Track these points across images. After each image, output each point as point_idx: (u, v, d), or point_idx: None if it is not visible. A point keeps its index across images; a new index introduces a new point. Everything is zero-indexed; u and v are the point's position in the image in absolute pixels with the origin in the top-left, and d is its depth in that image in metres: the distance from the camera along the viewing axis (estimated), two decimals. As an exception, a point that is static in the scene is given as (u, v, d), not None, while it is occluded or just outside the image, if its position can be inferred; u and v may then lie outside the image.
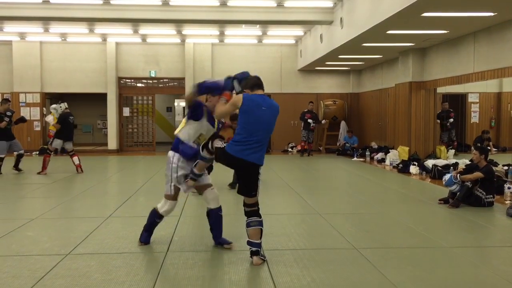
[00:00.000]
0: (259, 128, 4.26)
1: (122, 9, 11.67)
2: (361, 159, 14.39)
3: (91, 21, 13.52)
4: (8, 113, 11.16)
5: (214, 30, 15.40)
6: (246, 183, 4.37)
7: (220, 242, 4.95)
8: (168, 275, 4.11)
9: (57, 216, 6.68)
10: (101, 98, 17.63)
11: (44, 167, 11.01)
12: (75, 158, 11.28)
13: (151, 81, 17.84)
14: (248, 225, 4.42)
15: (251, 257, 4.45)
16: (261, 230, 4.43)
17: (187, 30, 15.24)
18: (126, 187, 9.54)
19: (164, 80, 17.88)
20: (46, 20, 13.42)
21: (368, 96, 17.00)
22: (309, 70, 17.45)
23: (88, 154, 16.39)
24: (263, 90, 4.45)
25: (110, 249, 4.88)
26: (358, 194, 8.49)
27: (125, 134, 17.86)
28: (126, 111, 17.67)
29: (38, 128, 17.07)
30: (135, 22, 13.45)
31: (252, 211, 4.42)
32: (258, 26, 14.47)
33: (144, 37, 16.55)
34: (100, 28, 14.95)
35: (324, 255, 4.76)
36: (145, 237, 5.05)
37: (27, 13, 11.71)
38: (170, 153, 4.81)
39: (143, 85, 17.95)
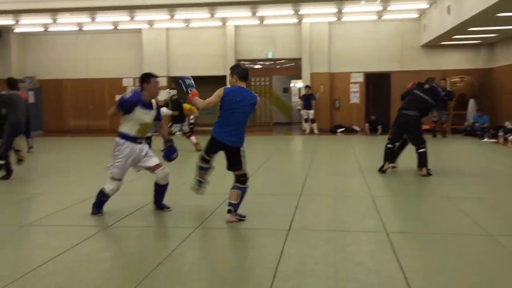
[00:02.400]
0: (236, 115, 5.05)
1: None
2: (493, 140, 13.26)
3: (213, 6, 13.98)
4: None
5: (331, 8, 15.08)
6: (230, 161, 5.23)
7: (160, 206, 5.63)
8: (291, 253, 4.14)
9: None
10: (221, 80, 18.28)
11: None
12: (192, 138, 11.88)
13: (268, 63, 18.07)
14: (231, 188, 5.18)
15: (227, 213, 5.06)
16: (238, 193, 5.13)
17: (304, 9, 15.10)
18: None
19: (281, 61, 18.00)
20: (172, 7, 14.15)
21: (502, 71, 15.50)
22: (434, 45, 16.38)
23: (209, 134, 17.11)
24: (246, 83, 5.22)
25: (235, 224, 5.04)
26: (490, 177, 7.83)
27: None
28: (243, 93, 18.07)
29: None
30: (254, 4, 13.64)
31: (238, 180, 5.23)
32: (378, 1, 13.87)
33: (261, 19, 16.74)
34: (221, 12, 15.42)
35: (454, 240, 4.47)
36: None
37: (155, 1, 12.45)
38: (119, 140, 5.29)
39: (260, 67, 18.24)
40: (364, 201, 6.18)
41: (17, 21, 16.34)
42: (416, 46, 16.82)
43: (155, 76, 5.30)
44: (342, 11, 15.30)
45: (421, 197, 6.67)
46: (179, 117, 11.83)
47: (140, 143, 5.34)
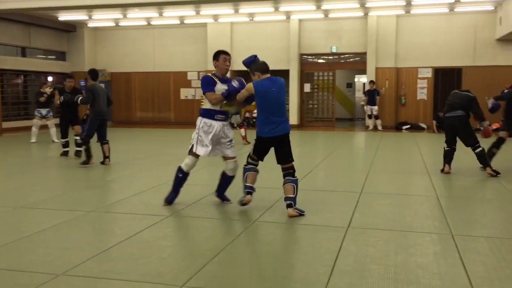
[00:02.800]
0: (275, 106, 5.08)
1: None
2: None
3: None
4: None
5: (400, 1, 14.59)
6: (282, 153, 5.17)
7: (221, 197, 5.68)
8: (349, 251, 4.05)
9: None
10: (284, 74, 18.19)
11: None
12: (242, 130, 12.03)
13: (332, 57, 17.80)
14: (284, 183, 5.11)
15: (287, 209, 5.03)
16: (294, 186, 5.09)
17: (371, 2, 14.73)
18: (306, 161, 9.74)
19: (345, 55, 17.67)
20: (236, 1, 14.25)
21: None
22: (510, 39, 15.44)
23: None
24: (269, 73, 5.23)
25: (294, 220, 5.00)
26: None
27: (305, 110, 18.24)
28: (307, 87, 17.98)
29: (228, 103, 18.43)
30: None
31: (287, 173, 5.16)
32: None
33: (326, 13, 16.50)
34: (285, 6, 15.36)
35: (528, 247, 4.18)
36: (172, 198, 5.61)
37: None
38: (199, 117, 5.46)
39: (324, 61, 18.01)
40: (429, 201, 5.94)
41: (90, 16, 17.12)
42: (491, 40, 15.94)
43: (224, 53, 5.46)
44: (411, 3, 14.76)
45: (490, 199, 6.31)
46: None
47: (219, 119, 5.37)
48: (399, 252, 4.03)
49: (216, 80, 5.35)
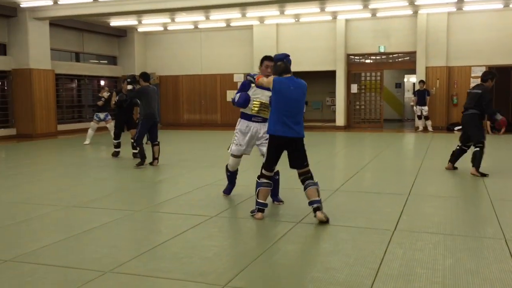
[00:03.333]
0: (291, 106, 4.85)
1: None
2: None
3: (323, 0, 13.82)
4: None
5: (451, -2, 14.15)
6: (295, 157, 4.93)
7: (275, 199, 5.65)
8: (395, 255, 3.94)
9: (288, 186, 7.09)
10: (330, 75, 18.06)
11: None
12: None
13: (379, 57, 17.46)
14: (306, 187, 4.90)
15: (314, 214, 4.83)
16: (317, 189, 4.92)
17: (420, 0, 14.34)
18: (353, 163, 9.60)
19: (394, 55, 17.29)
20: (282, 3, 14.24)
21: None
22: None
23: (317, 130, 17.05)
24: (291, 73, 5.02)
25: (337, 222, 4.93)
26: None
27: (352, 110, 17.98)
28: (354, 88, 17.72)
29: (274, 105, 18.45)
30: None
31: (306, 178, 4.95)
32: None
33: (373, 12, 16.21)
34: (331, 6, 15.21)
35: None
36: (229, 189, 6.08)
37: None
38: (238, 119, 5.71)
39: (371, 61, 17.70)
40: (481, 204, 5.71)
41: (139, 21, 17.61)
42: (549, 36, 15.15)
43: (268, 59, 5.52)
44: (464, 0, 14.27)
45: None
46: None
47: (256, 121, 5.60)
48: (447, 256, 3.89)
49: (253, 85, 5.54)
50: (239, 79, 18.91)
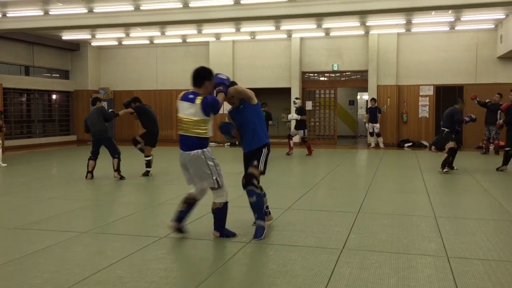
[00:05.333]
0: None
1: (307, 4, 11.87)
2: None
3: (278, 18, 14.05)
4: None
5: (400, 19, 14.68)
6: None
7: (181, 229, 5.09)
8: (342, 274, 3.99)
9: (241, 205, 7.07)
10: (285, 92, 18.29)
11: (310, 150, 13.89)
12: (308, 145, 13.86)
13: (333, 75, 17.86)
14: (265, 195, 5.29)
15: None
16: None
17: (371, 21, 14.82)
18: (306, 180, 9.70)
19: (347, 73, 17.72)
20: (238, 20, 14.38)
21: None
22: (511, 57, 15.46)
23: (272, 146, 17.12)
24: None
25: (287, 241, 4.95)
26: None
27: (307, 127, 18.21)
28: (309, 105, 18.00)
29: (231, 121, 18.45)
30: (319, 16, 13.55)
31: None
32: (450, 11, 13.32)
33: (327, 31, 16.62)
34: (286, 25, 15.48)
35: (524, 270, 4.10)
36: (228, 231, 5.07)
37: (221, 15, 12.70)
38: (198, 152, 4.73)
39: (325, 79, 18.07)
40: (427, 221, 5.87)
41: (93, 36, 17.32)
42: (492, 58, 15.98)
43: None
44: (412, 21, 14.84)
45: (491, 219, 6.23)
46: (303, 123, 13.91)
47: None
48: (392, 275, 3.97)
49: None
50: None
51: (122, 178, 9.26)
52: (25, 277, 3.95)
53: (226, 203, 4.94)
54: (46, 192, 8.27)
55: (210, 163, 4.78)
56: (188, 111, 4.72)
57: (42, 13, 12.94)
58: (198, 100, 4.71)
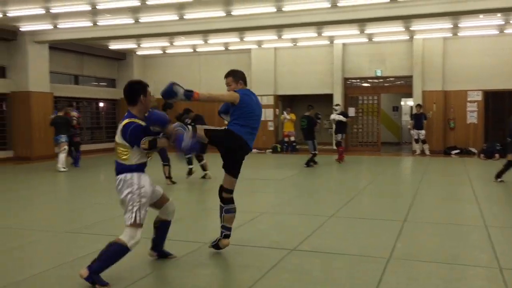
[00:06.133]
0: (254, 118, 4.65)
1: (350, 10, 11.77)
2: None
3: (320, 25, 14.00)
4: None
5: (446, 24, 14.32)
6: (239, 166, 4.67)
7: (163, 253, 4.56)
8: (390, 284, 3.91)
9: (283, 211, 7.07)
10: (327, 98, 18.16)
11: (342, 156, 13.63)
12: (341, 150, 13.64)
13: (376, 80, 17.60)
14: (228, 211, 4.65)
15: (219, 240, 4.66)
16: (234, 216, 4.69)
17: (416, 26, 14.53)
18: (349, 187, 9.59)
19: (390, 79, 17.43)
20: (280, 28, 14.41)
21: None
22: None
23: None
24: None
25: (332, 249, 4.91)
26: None
27: (350, 134, 18.03)
28: (352, 111, 17.80)
29: (272, 128, 18.49)
30: (362, 22, 13.41)
31: (231, 198, 4.68)
32: (499, 14, 12.89)
33: (370, 37, 16.41)
34: (328, 31, 15.39)
35: None
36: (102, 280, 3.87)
37: (263, 23, 12.78)
38: (126, 175, 3.98)
39: (368, 85, 17.83)
40: (477, 231, 5.68)
41: (138, 45, 17.79)
42: (544, 61, 15.30)
43: (147, 86, 4.30)
44: (458, 25, 14.45)
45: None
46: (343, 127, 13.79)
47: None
48: (441, 286, 3.86)
49: (143, 123, 4.07)
50: (237, 102, 19.01)
51: (173, 183, 9.53)
52: (76, 280, 4.07)
53: (126, 248, 3.90)
54: (92, 198, 8.52)
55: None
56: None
57: (91, 24, 13.39)
58: (121, 124, 4.02)
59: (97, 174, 12.17)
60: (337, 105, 14.77)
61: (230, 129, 4.58)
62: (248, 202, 7.90)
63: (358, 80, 17.81)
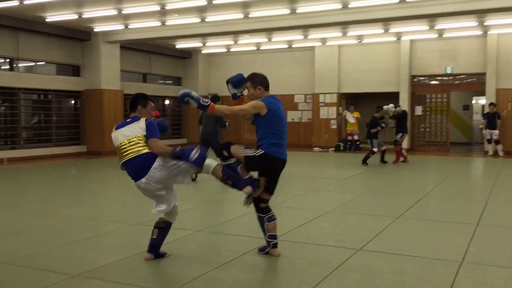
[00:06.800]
0: (283, 126, 4.48)
1: (419, 5, 11.41)
2: None
3: (387, 21, 13.66)
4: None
5: (524, 17, 13.52)
6: (275, 181, 4.48)
7: (159, 254, 4.52)
8: (464, 289, 3.75)
9: (348, 211, 6.97)
10: (392, 97, 17.68)
11: (398, 157, 13.15)
12: (403, 151, 13.12)
13: (446, 78, 16.92)
14: (270, 219, 4.47)
15: (268, 250, 4.51)
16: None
17: (490, 20, 13.81)
18: (417, 188, 9.29)
19: (461, 76, 16.69)
20: (345, 25, 14.20)
21: None
22: None
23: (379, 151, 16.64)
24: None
25: (401, 251, 4.77)
26: None
27: (416, 133, 17.48)
28: (418, 110, 17.24)
29: (334, 126, 18.27)
30: (433, 17, 12.92)
31: (268, 207, 4.52)
32: None
33: (440, 32, 15.78)
34: (395, 27, 14.97)
35: None
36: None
37: (329, 20, 12.65)
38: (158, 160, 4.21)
39: (437, 83, 17.18)
40: (558, 237, 5.32)
41: (204, 43, 18.15)
42: None
43: (150, 99, 4.66)
44: (537, 19, 13.60)
45: None
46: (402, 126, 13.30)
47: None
48: (521, 294, 3.66)
49: None
50: (299, 100, 18.96)
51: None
52: (147, 270, 4.22)
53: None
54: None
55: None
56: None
57: (159, 24, 13.83)
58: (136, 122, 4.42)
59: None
60: (395, 105, 13.69)
61: (265, 154, 4.33)
62: (312, 200, 7.87)
63: (426, 78, 17.21)
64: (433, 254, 4.66)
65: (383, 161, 12.90)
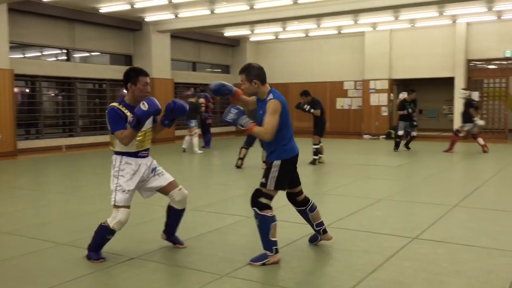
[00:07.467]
0: (289, 120, 4.27)
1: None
2: None
3: (442, 3, 13.14)
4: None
5: None
6: (296, 173, 4.29)
7: (172, 240, 4.49)
8: (528, 281, 3.59)
9: (402, 199, 6.82)
10: (447, 82, 17.08)
11: (451, 146, 12.52)
12: (480, 139, 12.38)
13: (505, 62, 16.14)
14: (311, 209, 4.36)
15: (321, 238, 4.45)
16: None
17: (554, -1, 13.03)
18: (473, 176, 8.97)
19: (523, 60, 15.89)
20: (398, 8, 13.78)
21: None
22: None
23: (433, 139, 16.18)
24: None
25: (459, 240, 4.62)
26: None
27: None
28: (475, 95, 16.54)
29: (386, 113, 17.87)
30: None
31: (306, 197, 4.37)
32: None
33: (499, 14, 15.03)
34: (451, 10, 14.38)
35: None
36: (96, 255, 4.12)
37: (380, 4, 12.32)
38: (113, 156, 4.14)
39: (495, 67, 16.43)
40: None
41: (252, 31, 18.12)
42: None
43: (144, 74, 4.11)
44: None
45: None
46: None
47: (145, 156, 4.24)
48: None
49: (126, 111, 4.03)
50: (349, 86, 18.66)
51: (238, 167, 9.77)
52: (202, 254, 4.29)
53: (107, 228, 4.06)
54: (211, 178, 8.93)
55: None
56: None
57: (208, 12, 13.91)
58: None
59: (224, 155, 12.71)
60: (463, 89, 13.35)
61: (282, 161, 4.06)
62: (364, 188, 7.76)
63: (483, 62, 16.48)
64: (493, 244, 4.48)
65: (407, 146, 12.78)
